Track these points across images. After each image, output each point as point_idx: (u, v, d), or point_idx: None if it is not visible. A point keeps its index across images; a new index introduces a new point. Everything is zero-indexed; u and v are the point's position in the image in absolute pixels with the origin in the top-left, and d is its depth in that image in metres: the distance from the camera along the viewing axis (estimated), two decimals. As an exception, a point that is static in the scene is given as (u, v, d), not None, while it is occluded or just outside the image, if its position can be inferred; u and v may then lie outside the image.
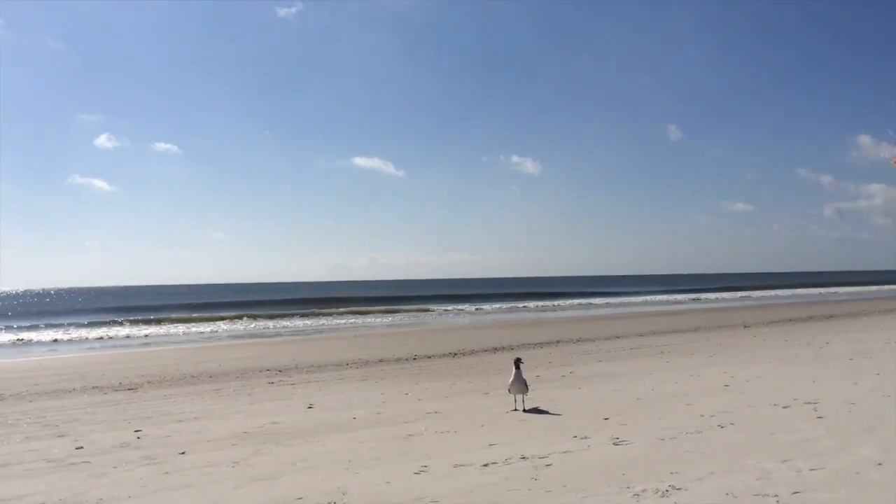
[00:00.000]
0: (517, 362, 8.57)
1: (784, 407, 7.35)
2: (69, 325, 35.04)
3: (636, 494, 4.46)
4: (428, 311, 42.77)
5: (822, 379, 9.15)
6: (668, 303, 46.84)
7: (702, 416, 7.15)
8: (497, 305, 46.62)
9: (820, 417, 6.65)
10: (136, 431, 7.94)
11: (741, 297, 53.38)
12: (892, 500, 4.07)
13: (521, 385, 8.34)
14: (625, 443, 6.08)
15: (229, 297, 70.86)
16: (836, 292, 60.94)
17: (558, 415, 7.88)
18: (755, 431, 6.24)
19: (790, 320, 23.20)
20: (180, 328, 32.10)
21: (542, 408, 8.31)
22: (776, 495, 4.27)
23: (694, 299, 51.13)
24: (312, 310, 44.49)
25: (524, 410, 8.19)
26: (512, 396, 8.56)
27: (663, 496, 4.39)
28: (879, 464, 4.86)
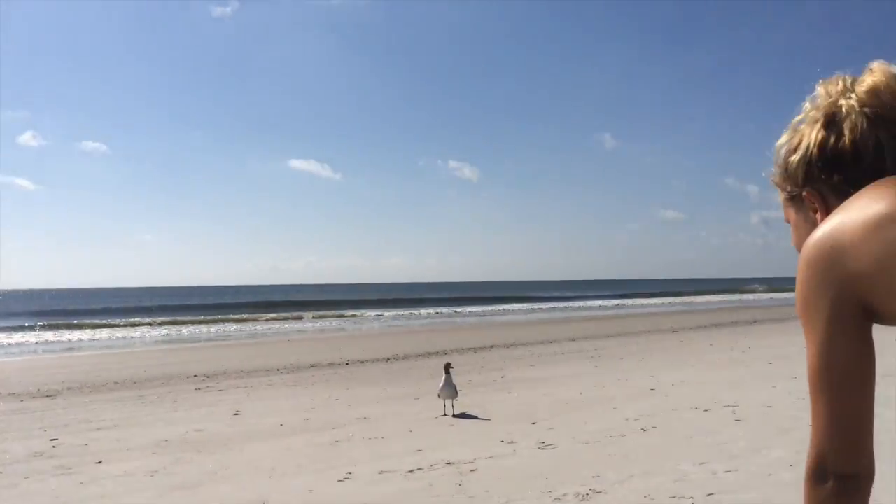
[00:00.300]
0: (447, 367, 8.61)
1: (705, 410, 7.55)
2: (-13, 329, 33.55)
3: (557, 498, 4.51)
4: (364, 315, 42.52)
5: (742, 382, 9.43)
6: (600, 308, 47.69)
7: (626, 419, 7.29)
8: (433, 310, 46.64)
9: (738, 420, 6.85)
10: (51, 440, 7.65)
11: (670, 302, 54.62)
12: (800, 501, 4.21)
13: (450, 390, 8.36)
14: (550, 447, 6.14)
15: (159, 301, 69.02)
16: (761, 298, 63.05)
17: (487, 419, 7.92)
18: (676, 434, 6.39)
19: (716, 325, 23.87)
20: (105, 333, 31.12)
21: (471, 413, 8.34)
22: (691, 497, 4.38)
23: (626, 304, 52.17)
24: (245, 314, 43.71)
25: (453, 415, 8.21)
26: (442, 402, 8.57)
27: (583, 499, 4.45)
28: (791, 465, 5.03)
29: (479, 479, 5.13)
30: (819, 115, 1.43)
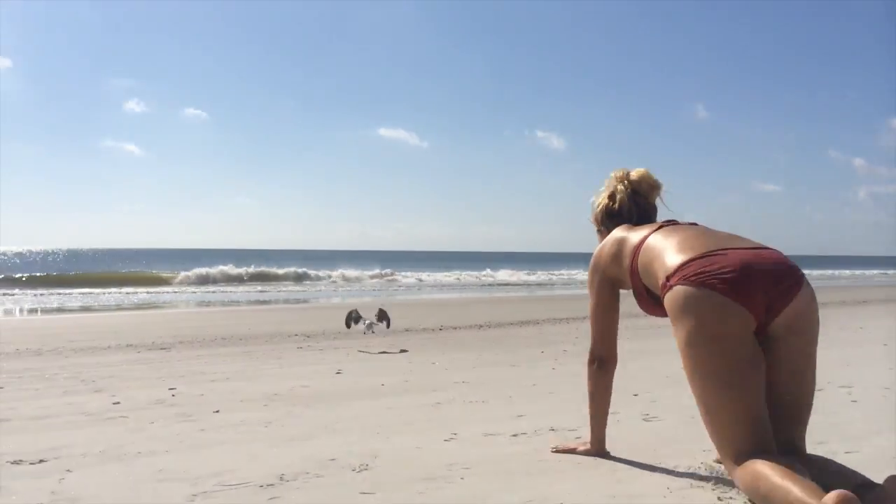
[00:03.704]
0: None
1: (819, 390, 7.26)
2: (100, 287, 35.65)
3: (668, 469, 4.47)
4: (458, 282, 42.84)
5: (855, 363, 9.03)
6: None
7: (732, 395, 7.10)
8: (521, 279, 46.50)
9: (854, 401, 6.59)
10: (170, 389, 8.09)
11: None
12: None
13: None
14: (655, 419, 6.08)
15: (255, 263, 71.33)
16: (870, 276, 59.88)
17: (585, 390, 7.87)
18: (787, 413, 6.18)
19: (823, 304, 22.82)
20: (210, 293, 32.49)
21: (568, 382, 8.32)
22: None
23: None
24: (341, 278, 44.75)
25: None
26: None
27: (694, 472, 4.40)
28: (915, 449, 4.82)
29: (585, 446, 5.12)
30: (608, 190, 4.04)
